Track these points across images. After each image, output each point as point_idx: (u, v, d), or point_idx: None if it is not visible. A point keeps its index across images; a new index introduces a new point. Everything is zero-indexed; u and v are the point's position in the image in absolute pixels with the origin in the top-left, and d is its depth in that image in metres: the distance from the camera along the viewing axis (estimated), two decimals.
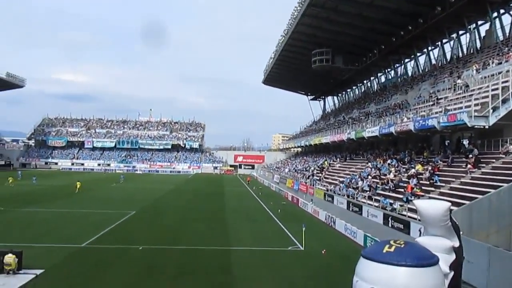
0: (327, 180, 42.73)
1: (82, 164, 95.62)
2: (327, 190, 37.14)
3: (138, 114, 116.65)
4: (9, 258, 15.65)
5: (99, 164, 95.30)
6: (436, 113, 26.88)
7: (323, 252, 20.67)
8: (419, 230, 17.69)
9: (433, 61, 45.45)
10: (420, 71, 47.44)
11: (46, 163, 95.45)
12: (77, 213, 31.15)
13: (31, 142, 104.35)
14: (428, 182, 24.90)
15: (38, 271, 16.18)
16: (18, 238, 21.42)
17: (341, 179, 38.70)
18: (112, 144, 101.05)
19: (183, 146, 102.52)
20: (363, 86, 68.74)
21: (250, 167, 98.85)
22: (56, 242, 21.25)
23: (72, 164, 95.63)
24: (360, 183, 32.82)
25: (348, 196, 31.37)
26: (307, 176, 48.74)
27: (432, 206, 1.40)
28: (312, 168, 51.99)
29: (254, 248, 21.75)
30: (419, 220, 1.48)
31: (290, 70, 72.73)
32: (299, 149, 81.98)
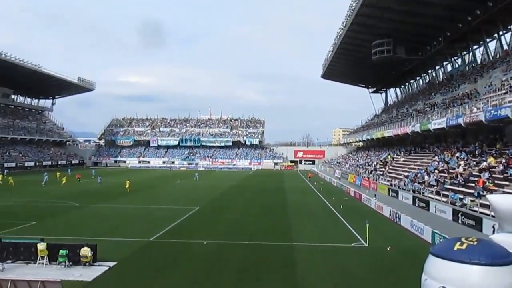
0: (390, 174, 41.46)
1: (148, 162, 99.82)
2: (391, 185, 36.04)
3: (199, 113, 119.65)
4: (85, 251, 16.72)
5: (163, 162, 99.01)
6: (510, 102, 25.15)
7: (388, 248, 20.11)
8: (493, 227, 16.69)
9: (505, 47, 42.49)
10: (491, 57, 44.57)
11: (115, 161, 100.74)
12: (145, 209, 32.58)
13: (102, 142, 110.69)
14: (501, 176, 23.41)
15: (111, 264, 17.15)
16: (92, 232, 22.80)
17: (405, 174, 37.39)
18: (176, 142, 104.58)
19: (244, 142, 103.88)
20: (427, 76, 65.85)
21: (311, 162, 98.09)
22: (126, 237, 22.39)
23: (139, 162, 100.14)
24: (426, 177, 31.52)
25: (413, 191, 30.25)
26: (369, 171, 47.59)
27: (507, 201, 1.33)
28: (375, 163, 50.67)
29: (317, 244, 21.60)
30: (493, 216, 1.41)
31: (349, 63, 71.22)
32: (361, 144, 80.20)
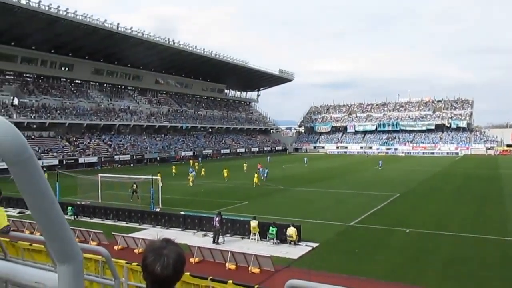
0: None
1: (346, 148, 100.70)
2: None
3: (397, 96, 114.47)
4: (291, 230, 17.97)
5: (361, 147, 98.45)
6: None
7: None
8: None
9: None
10: None
11: (314, 147, 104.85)
12: (344, 193, 33.05)
13: (301, 129, 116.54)
14: None
15: (314, 244, 18.02)
16: (296, 213, 24.26)
17: None
18: (373, 127, 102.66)
19: (448, 126, 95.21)
20: None
21: None
22: (327, 220, 23.15)
23: (337, 147, 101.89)
24: None
25: None
26: None
27: None
28: None
29: None
30: None
31: None
32: None
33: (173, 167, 50.18)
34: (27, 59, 66.59)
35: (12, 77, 67.18)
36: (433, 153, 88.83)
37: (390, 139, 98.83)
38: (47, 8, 56.08)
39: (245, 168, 49.18)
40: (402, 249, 17.66)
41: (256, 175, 38.15)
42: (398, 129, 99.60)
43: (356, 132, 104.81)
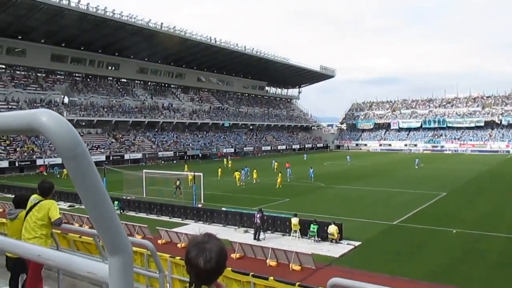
0: None
1: (389, 145, 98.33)
2: None
3: (444, 92, 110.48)
4: (332, 228, 17.81)
5: (405, 145, 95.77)
6: None
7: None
8: None
9: None
10: None
11: (356, 144, 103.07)
12: (387, 192, 32.33)
13: (343, 126, 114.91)
14: None
15: (356, 243, 17.77)
16: (337, 211, 23.95)
17: None
18: (418, 124, 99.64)
19: (499, 122, 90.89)
20: None
21: None
22: (369, 218, 22.74)
23: (380, 145, 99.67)
24: None
25: None
26: None
27: None
28: None
29: None
30: None
31: None
32: None
33: (227, 160, 51.12)
34: (76, 59, 69.49)
35: (63, 77, 70.31)
36: (482, 151, 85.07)
37: (436, 137, 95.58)
38: (94, 9, 58.19)
39: (275, 167, 47.49)
40: (448, 250, 17.08)
41: (280, 174, 36.59)
42: (445, 126, 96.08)
43: (400, 129, 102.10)
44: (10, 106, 54.89)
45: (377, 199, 29.19)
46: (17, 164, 49.89)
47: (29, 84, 63.30)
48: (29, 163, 50.85)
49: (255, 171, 38.74)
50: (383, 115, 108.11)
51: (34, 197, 5.45)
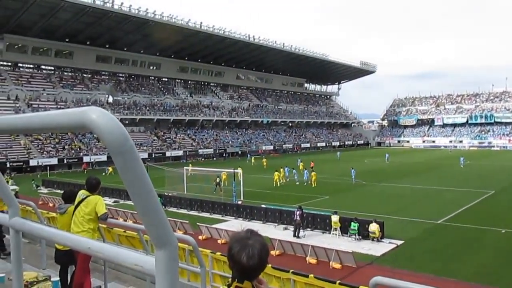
0: None
1: (433, 142, 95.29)
2: None
3: (491, 86, 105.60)
4: (374, 226, 17.48)
5: (450, 141, 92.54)
6: None
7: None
8: None
9: None
10: None
11: (398, 141, 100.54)
12: (430, 189, 31.36)
13: (384, 123, 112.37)
14: None
15: (399, 242, 17.36)
16: (379, 209, 23.48)
17: None
18: (464, 120, 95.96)
19: None
20: None
21: None
22: (412, 217, 22.14)
23: (423, 141, 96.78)
24: None
25: None
26: None
27: None
28: None
29: None
30: None
31: None
32: None
33: (264, 160, 50.81)
34: (120, 60, 71.74)
35: (107, 77, 72.79)
36: None
37: (483, 132, 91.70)
38: (136, 11, 59.78)
39: (300, 167, 41.83)
40: (496, 250, 16.40)
41: (314, 173, 34.59)
42: (493, 121, 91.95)
43: (444, 125, 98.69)
44: (58, 106, 57.39)
45: (420, 197, 28.39)
46: (65, 161, 52.12)
47: (76, 85, 65.96)
48: (76, 160, 53.00)
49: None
50: (427, 111, 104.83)
51: (82, 193, 5.68)
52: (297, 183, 35.21)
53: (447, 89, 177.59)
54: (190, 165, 40.88)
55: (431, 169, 46.10)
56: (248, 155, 65.62)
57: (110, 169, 43.29)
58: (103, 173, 41.58)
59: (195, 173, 34.15)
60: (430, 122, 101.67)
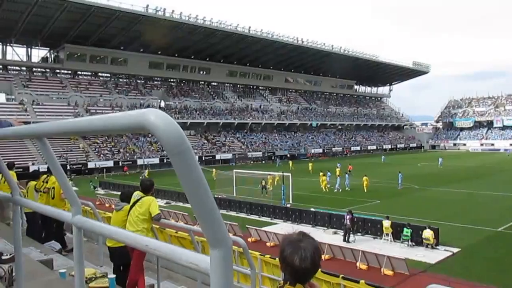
0: None
1: (492, 145, 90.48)
2: None
3: None
4: (428, 233, 16.83)
5: (510, 144, 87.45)
6: None
7: None
8: None
9: None
10: None
11: (454, 144, 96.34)
12: (488, 195, 29.78)
13: (439, 125, 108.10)
14: None
15: (455, 249, 16.61)
16: (433, 215, 22.59)
17: None
18: None
19: None
20: None
21: None
22: (469, 223, 21.11)
23: (481, 144, 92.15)
24: None
25: None
26: None
27: None
28: None
29: None
30: None
31: None
32: None
33: (309, 164, 50.37)
34: (171, 66, 73.91)
35: (159, 83, 75.27)
36: None
37: None
38: (187, 18, 61.33)
39: (337, 173, 36.85)
40: None
41: (365, 177, 32.65)
42: None
43: (504, 127, 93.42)
44: (114, 111, 59.80)
45: (478, 203, 27.02)
46: (120, 164, 54.22)
47: (130, 90, 68.65)
48: (130, 163, 54.98)
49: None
50: (485, 112, 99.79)
51: (137, 194, 5.90)
52: (335, 190, 33.03)
53: (507, 89, 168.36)
54: (214, 170, 41.30)
55: (489, 173, 43.77)
56: (278, 159, 64.14)
57: (147, 172, 45.33)
58: (140, 177, 42.97)
59: (244, 175, 34.39)
60: (489, 124, 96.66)
